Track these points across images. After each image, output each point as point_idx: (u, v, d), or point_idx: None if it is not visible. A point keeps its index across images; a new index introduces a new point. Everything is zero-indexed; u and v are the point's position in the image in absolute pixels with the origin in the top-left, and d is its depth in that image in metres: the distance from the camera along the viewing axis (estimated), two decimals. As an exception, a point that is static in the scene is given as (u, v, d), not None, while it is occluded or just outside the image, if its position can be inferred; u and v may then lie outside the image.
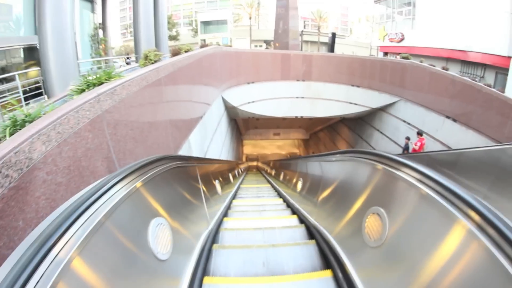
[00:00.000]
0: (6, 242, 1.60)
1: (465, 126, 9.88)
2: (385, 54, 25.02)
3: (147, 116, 4.04)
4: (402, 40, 22.98)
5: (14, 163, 1.59)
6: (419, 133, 9.81)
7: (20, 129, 2.05)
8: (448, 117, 10.61)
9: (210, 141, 9.06)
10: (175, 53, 7.25)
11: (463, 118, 10.03)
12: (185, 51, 7.82)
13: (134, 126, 3.50)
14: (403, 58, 13.55)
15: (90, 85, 3.03)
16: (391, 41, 24.02)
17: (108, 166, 2.75)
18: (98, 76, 3.23)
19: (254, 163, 23.77)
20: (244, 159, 28.30)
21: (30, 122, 2.13)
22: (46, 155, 1.85)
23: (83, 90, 2.97)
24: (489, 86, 9.66)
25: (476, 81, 10.96)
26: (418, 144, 9.50)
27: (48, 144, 1.87)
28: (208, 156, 8.45)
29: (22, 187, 1.67)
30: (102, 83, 3.14)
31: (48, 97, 5.86)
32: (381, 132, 14.49)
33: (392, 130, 13.71)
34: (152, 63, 5.39)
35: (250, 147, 30.86)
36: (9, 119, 2.09)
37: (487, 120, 9.19)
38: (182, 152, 5.82)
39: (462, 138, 9.92)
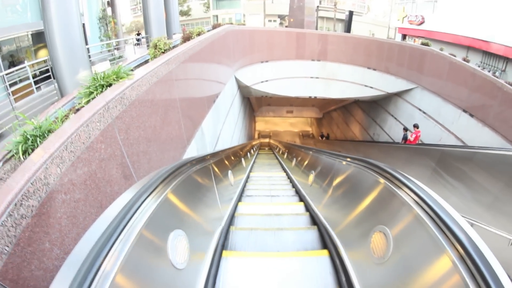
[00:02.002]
0: (37, 264, 1.70)
1: (481, 122, 9.52)
2: (404, 36, 23.81)
3: (159, 113, 4.04)
4: (422, 23, 21.72)
5: (32, 192, 1.65)
6: (415, 126, 10.08)
7: (31, 145, 2.09)
8: (465, 111, 10.23)
9: (222, 124, 9.09)
10: (187, 38, 7.09)
11: (480, 114, 9.65)
12: (197, 35, 7.64)
13: (146, 126, 3.52)
14: (423, 44, 12.88)
15: (98, 87, 3.02)
16: (411, 23, 22.76)
17: (123, 172, 2.81)
18: (106, 75, 3.21)
19: (266, 140, 23.80)
20: (256, 135, 28.41)
21: (41, 136, 2.17)
22: (61, 177, 1.91)
23: (91, 93, 2.97)
24: (511, 84, 9.19)
25: (496, 75, 10.41)
26: (414, 136, 9.89)
27: (62, 166, 1.92)
28: (220, 139, 8.50)
29: (44, 212, 1.74)
30: (110, 84, 3.13)
31: (58, 83, 5.87)
32: (395, 118, 14.14)
33: (406, 117, 13.35)
34: (162, 52, 5.30)
35: (262, 124, 30.81)
36: (21, 135, 2.12)
37: (505, 119, 8.83)
38: (195, 140, 5.86)
39: (477, 134, 9.62)
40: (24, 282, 1.58)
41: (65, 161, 1.96)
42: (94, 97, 2.92)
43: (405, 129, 11.09)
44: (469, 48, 17.54)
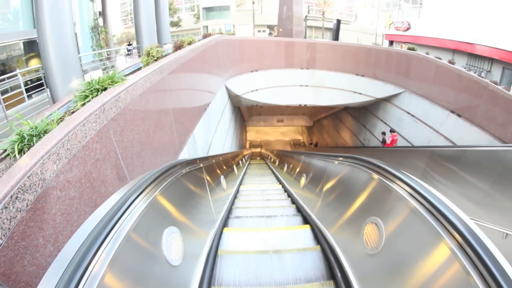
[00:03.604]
0: (30, 260, 1.70)
1: (469, 122, 9.83)
2: (391, 42, 24.47)
3: (152, 117, 4.08)
4: (408, 29, 22.42)
5: (28, 186, 1.66)
6: (392, 131, 11.01)
7: (27, 144, 2.10)
8: (452, 111, 10.54)
9: (214, 132, 9.12)
10: (178, 46, 7.19)
11: (467, 113, 9.95)
12: (188, 43, 7.75)
13: (140, 130, 3.55)
14: (409, 49, 13.31)
15: (94, 91, 3.06)
16: (397, 30, 23.46)
17: (117, 173, 2.83)
18: (101, 80, 3.25)
19: (258, 150, 23.82)
20: (248, 145, 28.41)
21: (37, 136, 2.19)
22: (58, 173, 1.92)
23: (87, 96, 3.00)
24: (496, 83, 9.55)
25: (482, 76, 10.84)
26: (390, 139, 10.61)
27: (58, 162, 1.94)
28: (212, 147, 8.52)
29: (39, 207, 1.75)
30: (105, 89, 3.17)
31: (50, 91, 5.86)
32: (385, 123, 14.41)
33: (396, 121, 13.64)
34: (155, 59, 5.37)
35: (253, 134, 30.88)
36: (17, 134, 2.13)
37: (492, 117, 9.13)
38: (187, 146, 5.88)
39: (465, 134, 9.90)
40: (16, 277, 1.57)
41: (62, 158, 1.97)
42: (89, 101, 2.95)
43: (383, 133, 11.66)
44: (454, 51, 18.11)
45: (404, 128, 13.00)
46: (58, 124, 2.44)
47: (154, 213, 1.45)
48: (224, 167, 5.73)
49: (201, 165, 3.16)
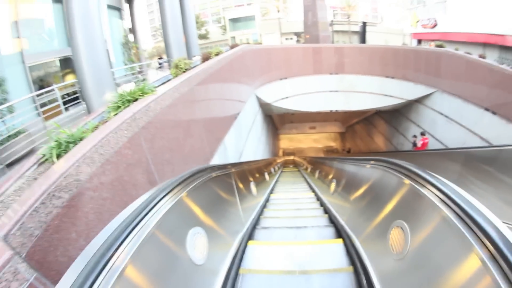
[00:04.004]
0: (62, 251, 1.84)
1: (505, 119, 9.12)
2: (419, 41, 23.50)
3: (182, 126, 4.24)
4: (435, 26, 21.44)
5: (64, 186, 1.81)
6: (422, 133, 10.83)
7: (64, 150, 2.29)
8: (487, 109, 9.85)
9: (245, 140, 9.23)
10: (206, 58, 7.45)
11: (503, 110, 9.25)
12: (215, 55, 8.00)
13: (170, 137, 3.71)
14: (437, 46, 12.72)
15: (125, 102, 3.26)
16: (424, 27, 22.51)
17: (148, 178, 2.97)
18: (132, 92, 3.46)
19: (291, 158, 23.74)
20: (280, 153, 28.42)
21: (73, 142, 2.37)
22: (91, 176, 2.07)
23: (119, 107, 3.21)
24: None
25: None
26: (421, 142, 10.50)
27: (92, 165, 2.09)
28: (244, 155, 8.63)
29: (73, 205, 1.89)
30: (136, 99, 3.36)
31: (86, 103, 6.31)
32: (417, 125, 13.77)
33: (429, 122, 12.98)
34: (183, 71, 5.60)
35: (286, 141, 30.81)
36: (55, 141, 2.33)
37: None
38: (218, 154, 6.01)
39: (502, 132, 9.19)
40: (48, 266, 1.71)
41: (95, 162, 2.13)
42: (121, 111, 3.15)
43: (414, 136, 11.43)
44: (485, 45, 17.02)
45: (438, 129, 12.33)
46: (92, 132, 2.62)
47: (179, 213, 1.51)
48: (255, 175, 5.76)
49: (230, 170, 3.23)
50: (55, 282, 0.86)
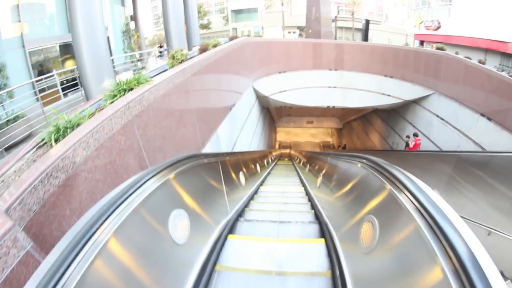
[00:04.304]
0: (57, 227, 2.05)
1: (500, 125, 9.31)
2: (421, 43, 23.51)
3: (175, 115, 4.42)
4: (438, 28, 21.43)
5: (61, 167, 2.01)
6: (415, 134, 11.14)
7: (62, 134, 2.48)
8: (483, 114, 10.04)
9: (239, 131, 9.38)
10: (203, 49, 7.56)
11: (498, 117, 9.43)
12: (213, 46, 8.12)
13: (162, 126, 3.89)
14: (438, 48, 12.83)
15: (121, 91, 3.44)
16: (427, 29, 22.49)
17: (139, 163, 3.17)
18: (128, 81, 3.63)
19: (287, 151, 23.97)
20: (277, 146, 28.64)
21: (71, 128, 2.56)
22: (86, 158, 2.27)
23: (115, 96, 3.39)
24: None
25: None
26: (413, 143, 10.79)
27: (88, 149, 2.28)
28: (237, 145, 8.80)
29: (68, 184, 2.09)
30: (132, 89, 3.54)
31: (84, 90, 6.46)
32: (413, 126, 13.97)
33: (425, 124, 13.18)
34: (180, 62, 5.74)
35: (283, 134, 30.99)
36: (54, 126, 2.52)
37: None
38: (210, 144, 6.19)
39: (496, 138, 9.40)
40: (43, 239, 1.91)
41: (90, 146, 2.33)
42: (117, 99, 3.33)
43: (407, 137, 11.70)
44: (487, 50, 17.11)
45: (433, 132, 12.54)
46: (89, 118, 2.81)
47: (163, 194, 1.67)
48: (246, 166, 5.83)
49: (220, 159, 3.40)
50: (48, 253, 1.04)
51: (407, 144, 11.39)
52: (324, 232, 2.83)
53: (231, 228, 2.99)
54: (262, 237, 3.00)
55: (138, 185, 1.46)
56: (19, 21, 8.14)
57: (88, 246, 1.06)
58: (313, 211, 4.29)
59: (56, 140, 2.44)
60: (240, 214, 3.71)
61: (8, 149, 5.11)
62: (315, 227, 3.20)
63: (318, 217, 3.63)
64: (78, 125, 2.66)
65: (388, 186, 1.51)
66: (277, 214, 4.07)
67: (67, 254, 1.00)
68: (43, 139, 2.55)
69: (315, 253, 2.45)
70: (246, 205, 4.52)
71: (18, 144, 5.27)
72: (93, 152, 2.36)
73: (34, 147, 2.57)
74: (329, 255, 2.33)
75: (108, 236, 1.15)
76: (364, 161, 2.12)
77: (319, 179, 4.88)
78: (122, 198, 1.33)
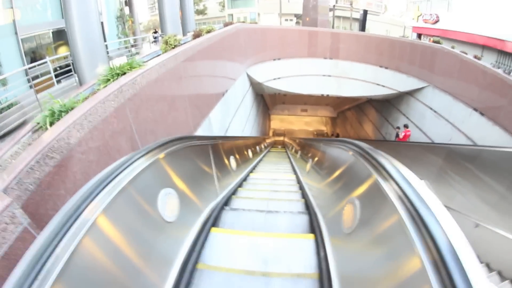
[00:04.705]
0: (52, 206, 2.15)
1: (492, 121, 9.45)
2: (419, 36, 23.41)
3: (167, 99, 4.49)
4: (436, 22, 21.31)
5: (56, 148, 2.10)
6: (406, 126, 11.33)
7: (57, 118, 2.56)
8: (475, 109, 10.16)
9: (232, 117, 9.44)
10: (197, 35, 7.53)
11: (490, 112, 9.57)
12: (207, 32, 8.08)
13: (154, 109, 3.97)
14: (435, 42, 12.89)
15: (115, 75, 3.50)
16: (425, 22, 22.36)
17: (131, 145, 3.26)
18: (121, 66, 3.69)
19: (281, 138, 24.13)
20: (271, 133, 28.76)
21: (65, 111, 2.63)
22: (80, 140, 2.35)
23: (108, 80, 3.45)
24: None
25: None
26: (403, 134, 11.01)
27: (81, 131, 2.37)
28: (230, 131, 8.88)
29: (63, 165, 2.19)
30: (124, 73, 3.60)
31: (78, 76, 6.45)
32: (407, 117, 14.12)
33: (418, 116, 13.34)
34: (172, 47, 5.75)
35: (277, 122, 31.02)
36: (48, 110, 2.59)
37: None
38: (202, 128, 6.26)
39: (488, 133, 9.54)
40: (39, 217, 2.01)
41: (84, 128, 2.41)
42: (111, 83, 3.39)
43: (398, 128, 11.88)
44: (484, 47, 17.15)
45: (426, 124, 12.72)
46: (83, 102, 2.88)
47: (153, 173, 1.76)
48: (238, 151, 5.85)
49: (210, 142, 3.48)
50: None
51: (397, 135, 11.59)
52: (313, 224, 2.67)
53: (215, 219, 2.82)
54: (247, 230, 2.77)
55: (128, 163, 1.55)
56: (11, 8, 8.00)
57: (80, 220, 1.18)
58: (303, 200, 4.03)
59: (51, 124, 2.52)
60: (226, 203, 3.54)
61: (2, 137, 5.14)
62: (304, 218, 2.99)
63: (308, 207, 3.46)
64: (72, 109, 2.73)
65: (372, 171, 1.50)
66: (265, 203, 3.86)
67: (59, 229, 1.10)
68: (38, 123, 2.63)
69: (303, 250, 2.25)
70: (234, 192, 4.38)
71: (12, 132, 5.29)
72: (87, 134, 2.45)
73: (30, 131, 2.64)
74: (318, 253, 2.16)
75: (99, 211, 1.25)
76: (348, 145, 2.18)
77: (308, 165, 4.98)
78: (115, 174, 1.43)
